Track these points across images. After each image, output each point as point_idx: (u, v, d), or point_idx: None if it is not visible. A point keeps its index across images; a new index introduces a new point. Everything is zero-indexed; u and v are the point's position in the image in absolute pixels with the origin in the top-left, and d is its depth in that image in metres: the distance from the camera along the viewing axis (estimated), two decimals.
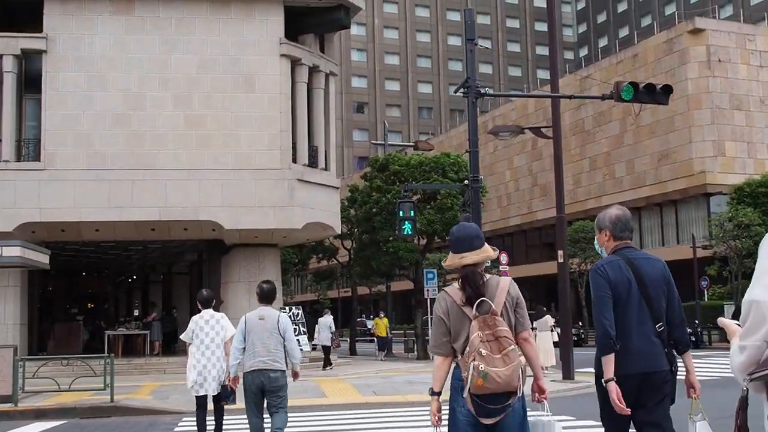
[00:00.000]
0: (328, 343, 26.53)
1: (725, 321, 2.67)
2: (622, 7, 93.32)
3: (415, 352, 32.22)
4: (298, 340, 22.79)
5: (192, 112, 23.95)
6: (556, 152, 19.30)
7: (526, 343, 4.64)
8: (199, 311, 9.72)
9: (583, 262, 42.23)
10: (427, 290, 30.94)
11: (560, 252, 19.12)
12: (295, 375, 8.68)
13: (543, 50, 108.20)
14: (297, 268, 44.45)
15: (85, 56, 23.73)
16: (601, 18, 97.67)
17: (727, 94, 45.68)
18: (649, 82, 18.56)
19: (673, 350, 4.82)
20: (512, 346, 4.43)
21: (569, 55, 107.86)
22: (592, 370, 4.98)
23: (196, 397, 9.61)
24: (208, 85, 24.13)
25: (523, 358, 4.54)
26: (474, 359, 4.37)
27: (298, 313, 25.94)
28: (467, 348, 4.43)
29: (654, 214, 49.17)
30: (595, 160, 53.01)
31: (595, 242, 5.16)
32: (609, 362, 4.65)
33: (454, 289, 4.66)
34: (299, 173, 24.41)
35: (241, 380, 8.30)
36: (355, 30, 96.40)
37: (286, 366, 8.21)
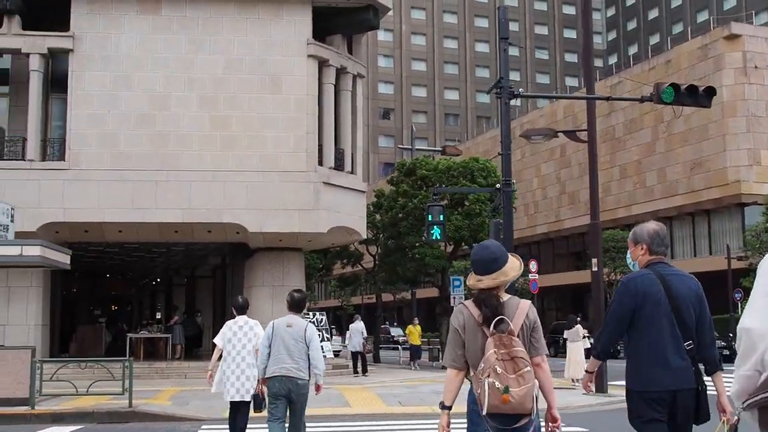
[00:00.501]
0: (360, 349, 26.27)
1: None
2: (653, 14, 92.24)
3: (441, 361, 31.61)
4: (321, 346, 22.36)
5: (217, 113, 23.58)
6: (591, 156, 18.68)
7: (539, 369, 4.57)
8: (233, 317, 9.79)
9: (612, 271, 41.36)
10: (454, 297, 30.35)
11: (594, 260, 18.49)
12: (318, 388, 8.54)
13: (571, 57, 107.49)
14: (321, 273, 43.99)
15: (111, 55, 23.44)
16: (632, 25, 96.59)
17: (763, 101, 44.72)
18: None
19: (702, 369, 4.77)
20: (527, 368, 4.37)
21: (599, 62, 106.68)
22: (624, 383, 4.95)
23: (231, 403, 9.71)
24: (234, 85, 23.75)
25: (536, 381, 4.48)
26: (489, 376, 4.31)
27: (321, 319, 25.54)
28: (482, 364, 4.38)
29: (686, 224, 48.24)
30: (625, 168, 52.16)
31: (628, 255, 5.22)
32: (593, 363, 5.13)
33: (472, 304, 4.60)
34: (325, 176, 23.95)
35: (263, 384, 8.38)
36: (382, 36, 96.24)
37: (309, 376, 8.23)
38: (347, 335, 27.86)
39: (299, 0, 24.04)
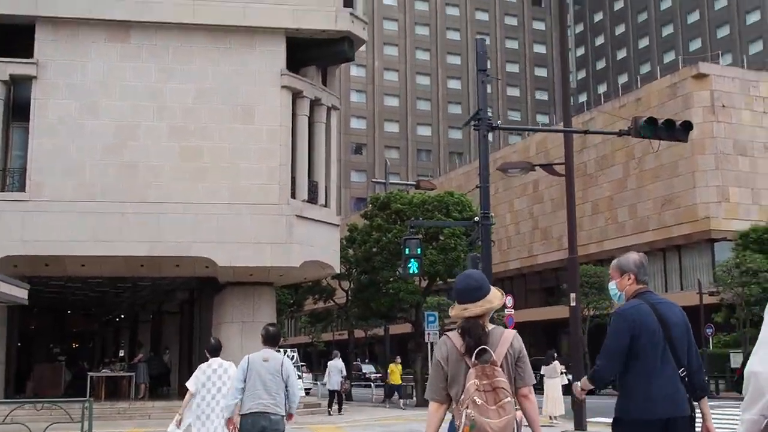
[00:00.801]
0: (338, 388, 25.81)
1: None
2: (621, 54, 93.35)
3: (414, 398, 30.90)
4: None
5: (187, 144, 22.99)
6: (569, 189, 18.30)
7: (525, 400, 4.50)
8: (206, 359, 9.50)
9: (586, 307, 40.96)
10: (428, 333, 29.76)
11: (572, 295, 18.04)
12: (290, 417, 8.28)
13: (542, 95, 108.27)
14: (291, 309, 43.19)
15: (77, 83, 22.81)
16: (601, 65, 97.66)
17: (731, 139, 44.94)
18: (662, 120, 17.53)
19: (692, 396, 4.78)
20: (508, 399, 4.28)
21: None
22: (604, 419, 5.29)
23: None
24: (206, 115, 23.20)
25: (519, 413, 4.40)
26: (467, 407, 4.24)
27: (293, 356, 24.82)
28: (462, 396, 4.31)
29: (657, 260, 48.06)
30: (597, 204, 52.09)
31: (612, 286, 5.07)
32: (586, 383, 5.03)
33: (455, 335, 4.50)
34: (298, 209, 23.38)
35: (237, 422, 8.02)
36: (354, 71, 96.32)
37: (285, 411, 8.03)
38: (326, 372, 27.26)
39: (273, 30, 23.60)
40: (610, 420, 4.97)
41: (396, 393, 29.81)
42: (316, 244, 24.00)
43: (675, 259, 47.07)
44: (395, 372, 29.92)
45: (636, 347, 4.72)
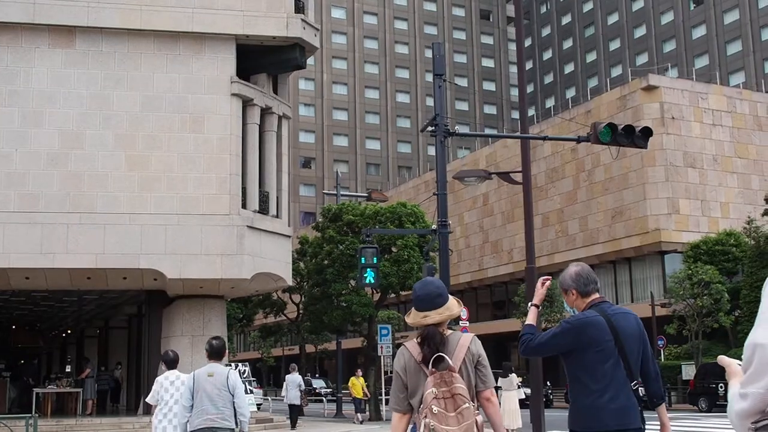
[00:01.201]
0: (297, 402, 25.34)
1: (726, 360, 2.51)
2: (569, 69, 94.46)
3: (367, 413, 30.45)
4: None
5: (134, 153, 22.37)
6: (526, 197, 18.10)
7: (488, 402, 4.47)
8: (160, 372, 9.83)
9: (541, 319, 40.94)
10: (381, 347, 29.40)
11: (533, 309, 17.74)
12: None
13: (490, 109, 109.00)
14: (241, 323, 42.47)
15: (20, 90, 22.07)
16: (548, 79, 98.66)
17: (680, 151, 45.56)
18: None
19: (642, 407, 4.73)
20: (467, 404, 4.24)
21: (516, 114, 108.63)
22: None
23: None
24: (153, 123, 22.61)
25: (479, 418, 4.33)
26: (426, 416, 4.21)
27: (244, 371, 24.26)
28: (421, 405, 4.29)
29: (608, 272, 48.47)
30: (547, 216, 52.34)
31: (565, 304, 5.05)
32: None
33: (413, 344, 4.47)
34: (249, 220, 22.88)
35: None
36: (303, 84, 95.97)
37: (236, 425, 8.03)
38: (284, 386, 26.80)
39: (223, 36, 23.12)
40: None
41: (355, 407, 28.84)
42: (268, 256, 23.51)
43: (625, 272, 47.45)
44: (357, 385, 28.79)
45: (584, 359, 4.67)
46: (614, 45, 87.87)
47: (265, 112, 24.30)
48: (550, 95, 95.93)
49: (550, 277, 5.19)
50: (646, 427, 4.73)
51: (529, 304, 5.11)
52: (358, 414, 27.78)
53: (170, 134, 22.60)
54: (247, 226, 22.67)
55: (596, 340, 4.62)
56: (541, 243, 52.48)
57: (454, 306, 4.53)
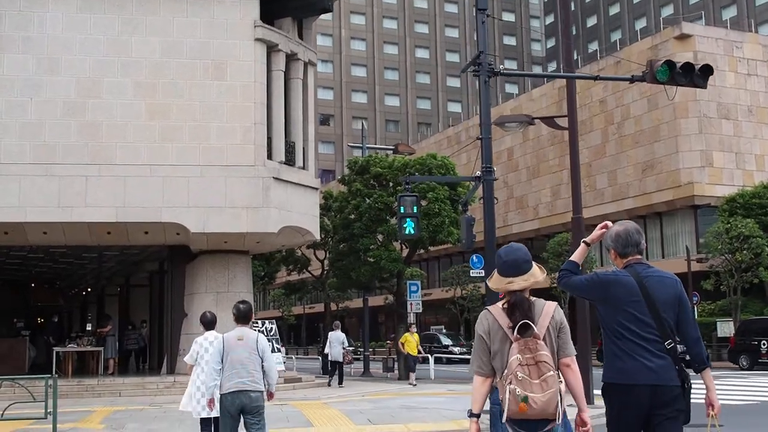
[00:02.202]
0: (340, 359, 24.96)
1: None
2: (591, 22, 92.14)
3: (396, 372, 29.61)
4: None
5: (155, 101, 21.33)
6: (572, 143, 16.97)
7: (568, 369, 4.49)
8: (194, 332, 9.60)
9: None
10: (411, 304, 28.49)
11: None
12: (270, 396, 8.31)
13: (511, 64, 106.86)
14: (263, 281, 41.57)
15: (33, 37, 21.02)
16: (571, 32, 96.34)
17: (714, 102, 43.94)
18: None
19: (685, 367, 4.69)
20: (551, 372, 4.27)
21: (538, 69, 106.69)
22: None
23: (201, 419, 9.45)
24: (174, 71, 21.54)
25: (561, 386, 4.36)
26: (510, 383, 4.24)
27: (271, 329, 23.40)
28: (505, 370, 4.32)
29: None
30: None
31: (611, 262, 5.06)
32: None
33: (497, 309, 4.51)
34: (275, 171, 21.85)
35: (217, 402, 8.03)
36: (321, 40, 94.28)
37: (264, 387, 8.11)
38: (327, 343, 26.22)
39: None
40: None
41: (408, 365, 26.01)
42: (294, 209, 22.52)
43: (656, 227, 46.13)
44: (411, 342, 25.64)
45: (614, 316, 4.70)
46: None
47: (291, 58, 23.16)
48: (573, 49, 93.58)
49: (610, 223, 5.02)
50: (693, 384, 4.68)
51: (582, 240, 5.01)
52: (412, 374, 25.43)
53: (192, 82, 21.54)
54: (273, 177, 21.66)
55: (621, 298, 4.66)
56: (568, 198, 51.29)
57: (538, 273, 4.52)
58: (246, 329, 8.07)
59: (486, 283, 4.79)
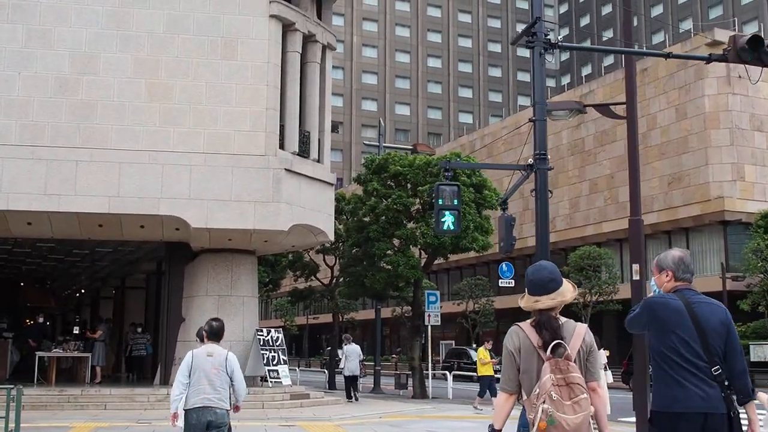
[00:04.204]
0: (358, 373, 24.03)
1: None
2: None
3: (410, 389, 27.30)
4: (276, 370, 17.62)
5: (156, 80, 19.19)
6: (631, 133, 14.79)
7: (594, 394, 4.38)
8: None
9: (588, 292, 37.64)
10: (428, 315, 26.23)
11: (636, 267, 14.45)
12: (236, 408, 8.29)
13: (524, 76, 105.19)
14: (267, 288, 39.24)
15: (25, 5, 18.93)
16: (608, 35, 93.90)
17: (747, 113, 41.67)
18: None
19: (733, 396, 4.59)
20: (584, 395, 4.21)
21: (551, 82, 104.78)
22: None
23: None
24: (179, 47, 19.41)
25: (592, 409, 4.26)
26: (544, 402, 4.16)
27: (278, 338, 21.16)
28: (537, 389, 4.24)
29: (662, 243, 44.79)
30: (596, 183, 48.75)
31: (653, 283, 5.10)
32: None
33: (528, 326, 4.45)
34: (287, 162, 19.66)
35: (181, 418, 7.90)
36: None
37: (230, 405, 8.01)
38: (342, 357, 24.92)
39: None
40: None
41: (486, 387, 20.47)
42: (308, 206, 20.31)
43: (682, 243, 43.77)
44: (487, 359, 20.65)
45: (662, 341, 4.68)
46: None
47: (308, 39, 21.02)
48: (586, 63, 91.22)
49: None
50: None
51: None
52: (478, 398, 20.91)
53: (198, 60, 19.41)
54: (285, 169, 19.47)
55: (671, 321, 4.65)
56: (588, 211, 49.16)
57: (567, 291, 4.49)
58: (216, 346, 7.98)
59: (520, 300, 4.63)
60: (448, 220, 13.50)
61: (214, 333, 8.07)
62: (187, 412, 7.76)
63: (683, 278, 4.84)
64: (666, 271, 4.88)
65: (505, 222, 15.05)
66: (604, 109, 15.99)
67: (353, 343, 24.73)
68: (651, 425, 4.70)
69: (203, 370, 7.80)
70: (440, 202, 13.52)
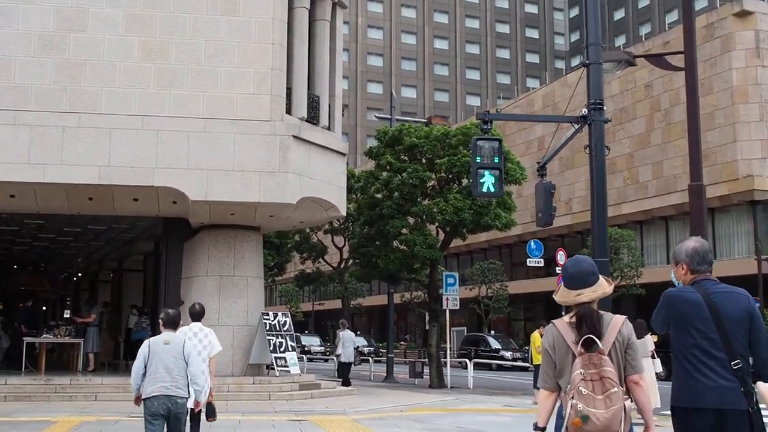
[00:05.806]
0: (352, 359, 23.14)
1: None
2: (642, 3, 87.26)
3: (426, 378, 25.52)
4: (284, 358, 15.87)
5: (150, 38, 17.36)
6: (690, 88, 12.91)
7: (636, 387, 4.33)
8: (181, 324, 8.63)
9: (609, 275, 35.80)
10: (446, 299, 24.40)
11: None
12: (196, 405, 8.51)
13: (532, 57, 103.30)
14: (272, 272, 37.42)
15: None
16: (619, 15, 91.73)
17: None
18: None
19: (754, 391, 4.50)
20: (615, 389, 4.15)
21: (560, 64, 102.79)
22: None
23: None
24: (175, 2, 17.58)
25: (628, 403, 4.23)
26: (573, 397, 4.15)
27: (285, 322, 19.37)
28: (569, 385, 4.25)
29: (685, 225, 42.83)
30: (614, 162, 46.66)
31: (672, 274, 4.97)
32: None
33: (562, 323, 4.46)
34: (295, 128, 17.81)
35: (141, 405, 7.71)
36: None
37: (188, 394, 7.87)
38: (339, 344, 23.27)
39: None
40: None
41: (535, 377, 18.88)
42: (318, 177, 18.47)
43: (707, 224, 41.86)
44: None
45: (682, 335, 4.61)
46: None
47: None
48: (620, 33, 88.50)
49: None
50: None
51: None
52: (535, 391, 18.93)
53: (196, 16, 17.58)
54: (293, 136, 17.63)
55: (688, 315, 4.59)
56: (607, 191, 47.28)
57: (605, 284, 4.47)
58: (173, 334, 7.90)
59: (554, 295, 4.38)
60: (488, 181, 11.58)
61: (171, 321, 8.04)
62: (145, 400, 7.67)
63: (699, 270, 4.74)
64: (681, 264, 4.80)
65: (543, 189, 13.18)
66: (659, 60, 14.10)
67: (348, 330, 23.61)
68: (672, 418, 4.67)
69: (160, 358, 7.69)
70: (478, 160, 11.60)
